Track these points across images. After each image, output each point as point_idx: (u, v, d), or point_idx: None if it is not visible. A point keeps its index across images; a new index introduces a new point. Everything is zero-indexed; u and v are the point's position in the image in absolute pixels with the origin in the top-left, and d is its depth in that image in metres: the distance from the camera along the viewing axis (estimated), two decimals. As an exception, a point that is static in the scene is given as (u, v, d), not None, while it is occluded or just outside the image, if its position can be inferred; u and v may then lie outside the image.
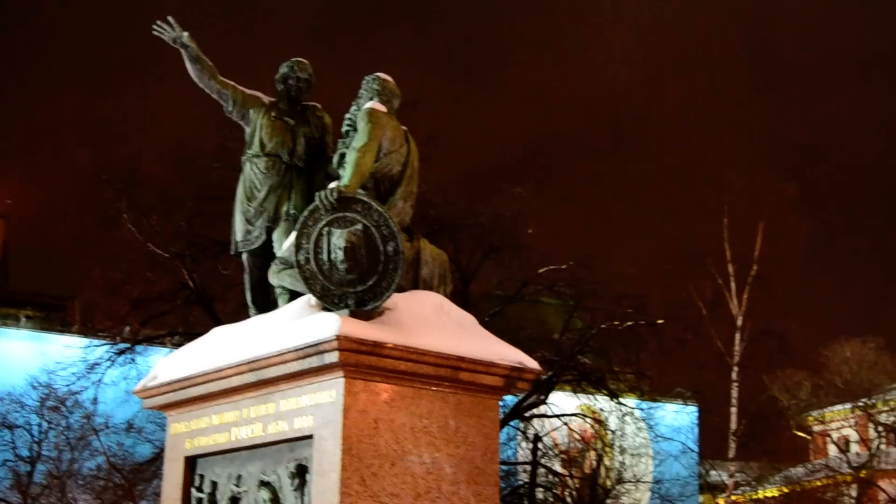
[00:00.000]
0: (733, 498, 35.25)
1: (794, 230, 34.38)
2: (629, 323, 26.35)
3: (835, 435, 37.43)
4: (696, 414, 36.29)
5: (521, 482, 27.08)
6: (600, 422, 28.67)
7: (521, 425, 26.83)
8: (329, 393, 7.86)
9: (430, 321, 8.28)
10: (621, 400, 27.49)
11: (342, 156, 9.04)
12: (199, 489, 8.97)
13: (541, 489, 26.62)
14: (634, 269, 29.49)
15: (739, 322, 33.43)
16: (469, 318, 8.71)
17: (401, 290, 8.33)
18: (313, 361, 7.83)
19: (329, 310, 8.07)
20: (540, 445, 26.56)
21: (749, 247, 33.88)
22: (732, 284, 33.61)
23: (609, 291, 26.39)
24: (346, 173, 8.60)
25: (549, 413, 26.98)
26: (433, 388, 8.17)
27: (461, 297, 22.09)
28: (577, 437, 29.00)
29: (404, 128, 9.25)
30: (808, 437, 40.86)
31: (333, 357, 7.70)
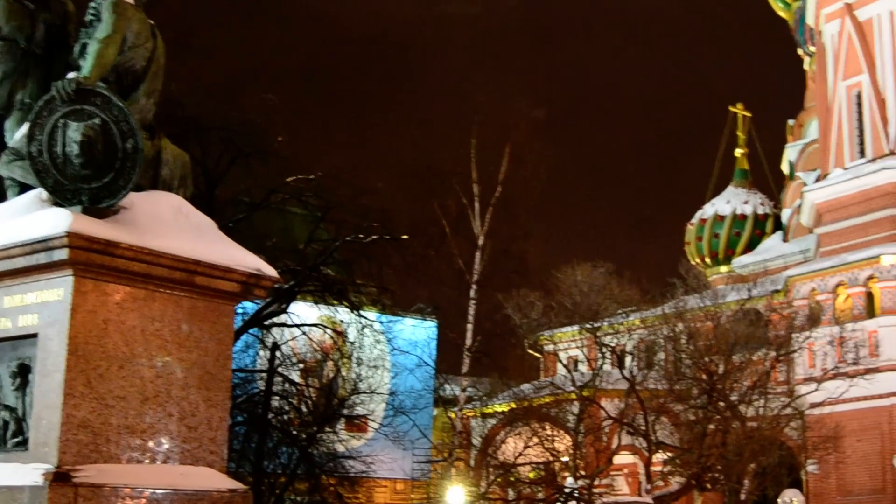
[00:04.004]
0: (464, 412, 36.34)
1: (539, 155, 35.20)
2: (374, 237, 26.65)
3: (563, 355, 39.06)
4: (435, 329, 37.18)
5: (257, 390, 27.09)
6: (340, 333, 28.94)
7: (261, 333, 26.79)
8: (57, 291, 7.60)
9: (167, 223, 8.09)
10: (362, 312, 27.82)
11: (84, 46, 8.62)
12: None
13: (276, 397, 26.70)
14: (383, 183, 29.80)
15: (481, 241, 34.17)
16: (208, 222, 8.55)
17: (139, 189, 8.09)
18: (41, 258, 7.54)
19: (61, 205, 7.76)
20: (278, 354, 26.59)
21: (495, 168, 34.56)
22: (476, 204, 34.24)
23: (356, 204, 26.62)
24: (87, 65, 8.22)
25: (290, 322, 27.05)
26: (167, 291, 8.03)
27: (206, 201, 21.72)
28: (315, 347, 29.21)
29: (152, 22, 8.90)
30: (540, 357, 42.49)
31: (63, 254, 7.43)
